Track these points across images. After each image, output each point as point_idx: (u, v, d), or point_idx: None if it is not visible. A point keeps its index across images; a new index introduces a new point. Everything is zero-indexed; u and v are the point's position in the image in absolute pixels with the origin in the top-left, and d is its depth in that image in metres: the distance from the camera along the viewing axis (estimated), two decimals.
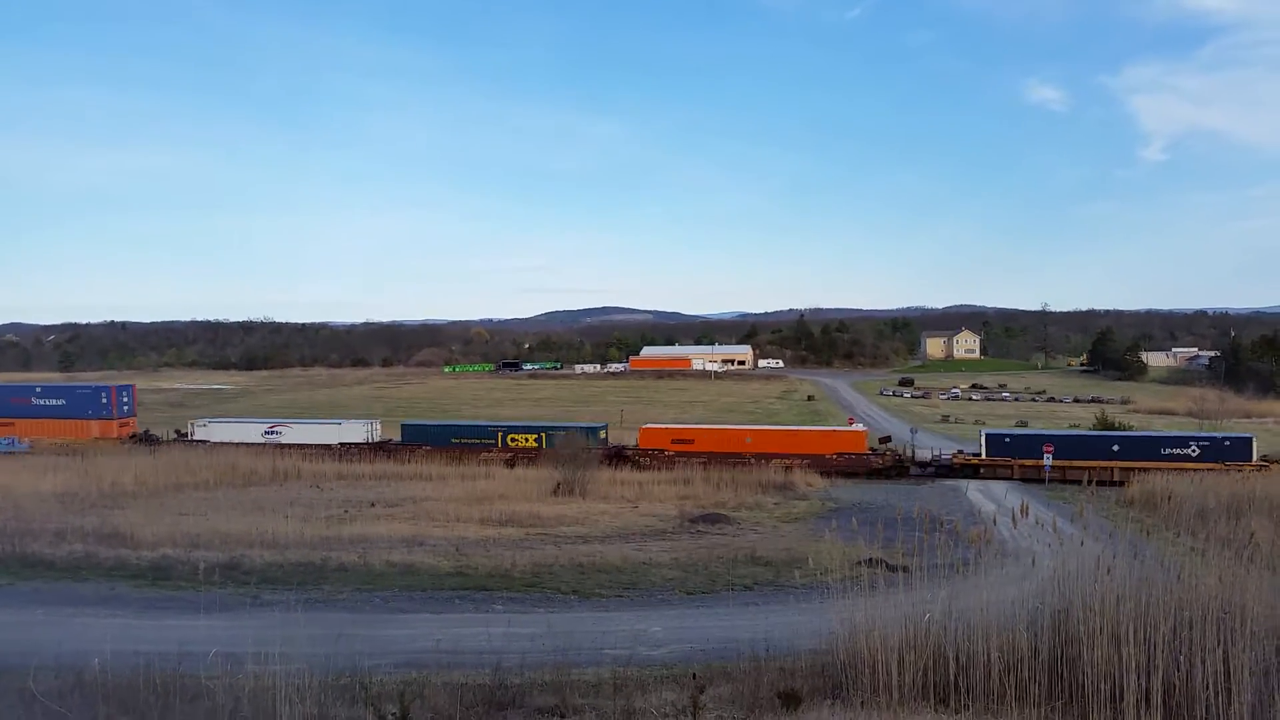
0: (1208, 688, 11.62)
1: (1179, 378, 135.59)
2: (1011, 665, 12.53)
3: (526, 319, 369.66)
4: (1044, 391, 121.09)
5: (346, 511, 37.75)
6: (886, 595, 14.19)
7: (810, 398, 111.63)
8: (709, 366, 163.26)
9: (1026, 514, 16.23)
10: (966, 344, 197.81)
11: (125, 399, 69.00)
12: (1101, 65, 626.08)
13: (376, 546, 30.24)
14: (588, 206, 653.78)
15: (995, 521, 30.16)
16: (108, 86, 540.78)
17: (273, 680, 11.68)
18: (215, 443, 59.52)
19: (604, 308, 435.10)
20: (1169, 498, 33.23)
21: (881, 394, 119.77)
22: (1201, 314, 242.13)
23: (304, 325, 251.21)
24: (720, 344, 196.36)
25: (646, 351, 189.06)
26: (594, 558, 29.17)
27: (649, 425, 58.55)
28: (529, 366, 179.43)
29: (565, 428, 54.78)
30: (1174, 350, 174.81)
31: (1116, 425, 59.52)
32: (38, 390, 69.91)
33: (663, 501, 40.90)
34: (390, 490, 44.25)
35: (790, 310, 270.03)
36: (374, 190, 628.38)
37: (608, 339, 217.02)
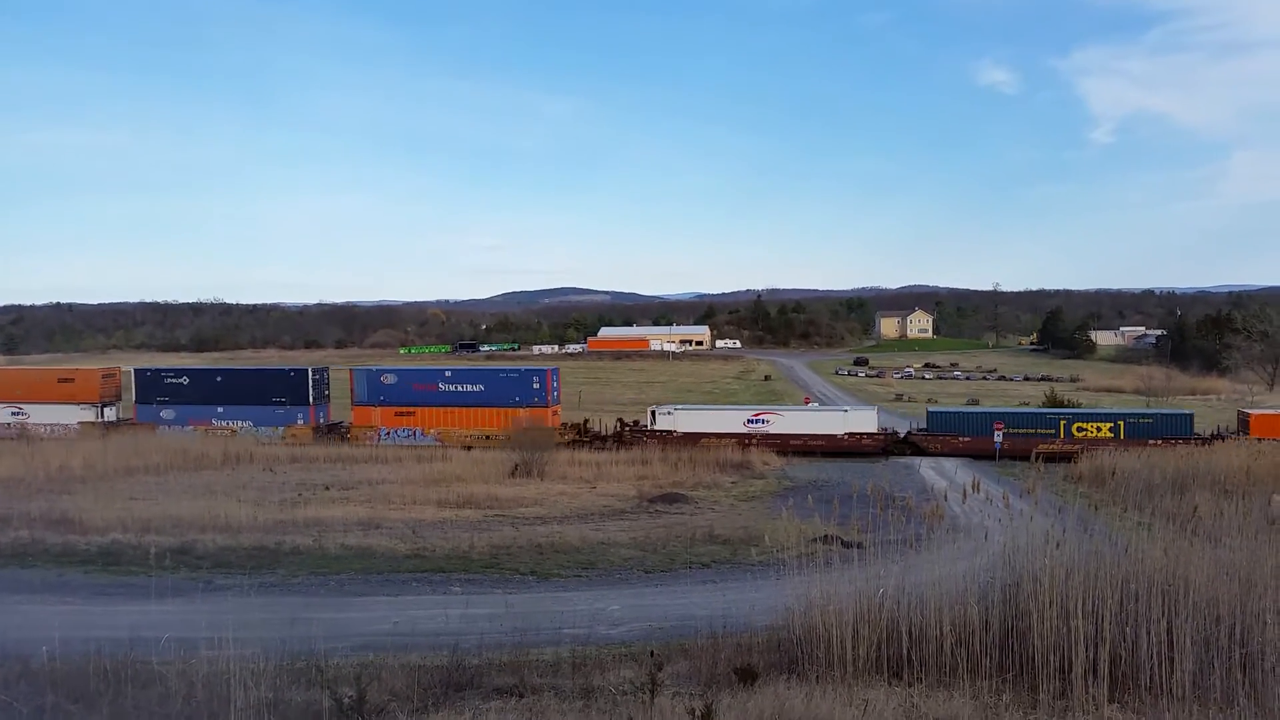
0: (1152, 657, 11.93)
1: (1127, 356, 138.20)
2: (963, 638, 12.76)
3: (484, 300, 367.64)
4: (995, 370, 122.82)
5: (300, 495, 37.34)
6: (841, 571, 14.36)
7: (767, 377, 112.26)
8: (667, 347, 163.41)
9: (978, 490, 16.49)
10: (920, 324, 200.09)
11: (556, 385, 59.78)
12: (1051, 48, 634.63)
13: (331, 530, 29.96)
14: (545, 187, 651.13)
15: (947, 498, 30.61)
16: (51, 62, 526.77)
17: (227, 665, 11.57)
18: (683, 434, 51.53)
19: (562, 289, 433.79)
20: (1114, 473, 33.97)
21: (837, 373, 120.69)
22: (1149, 293, 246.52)
23: (255, 306, 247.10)
24: (678, 325, 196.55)
25: (604, 332, 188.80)
26: (552, 538, 29.17)
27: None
28: (486, 348, 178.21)
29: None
30: (1122, 329, 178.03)
31: (1066, 403, 60.54)
32: (447, 375, 59.88)
33: (621, 482, 40.95)
34: (345, 473, 43.83)
35: (747, 291, 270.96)
36: (326, 169, 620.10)
37: (565, 320, 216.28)
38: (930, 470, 44.40)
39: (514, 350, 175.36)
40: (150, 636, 14.69)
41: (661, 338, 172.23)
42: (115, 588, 23.81)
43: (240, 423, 57.65)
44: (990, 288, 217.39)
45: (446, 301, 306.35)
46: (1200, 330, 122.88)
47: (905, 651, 12.94)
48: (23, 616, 20.05)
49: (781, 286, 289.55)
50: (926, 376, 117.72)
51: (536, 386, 56.76)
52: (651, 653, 14.65)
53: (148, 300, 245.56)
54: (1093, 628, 12.09)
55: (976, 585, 13.61)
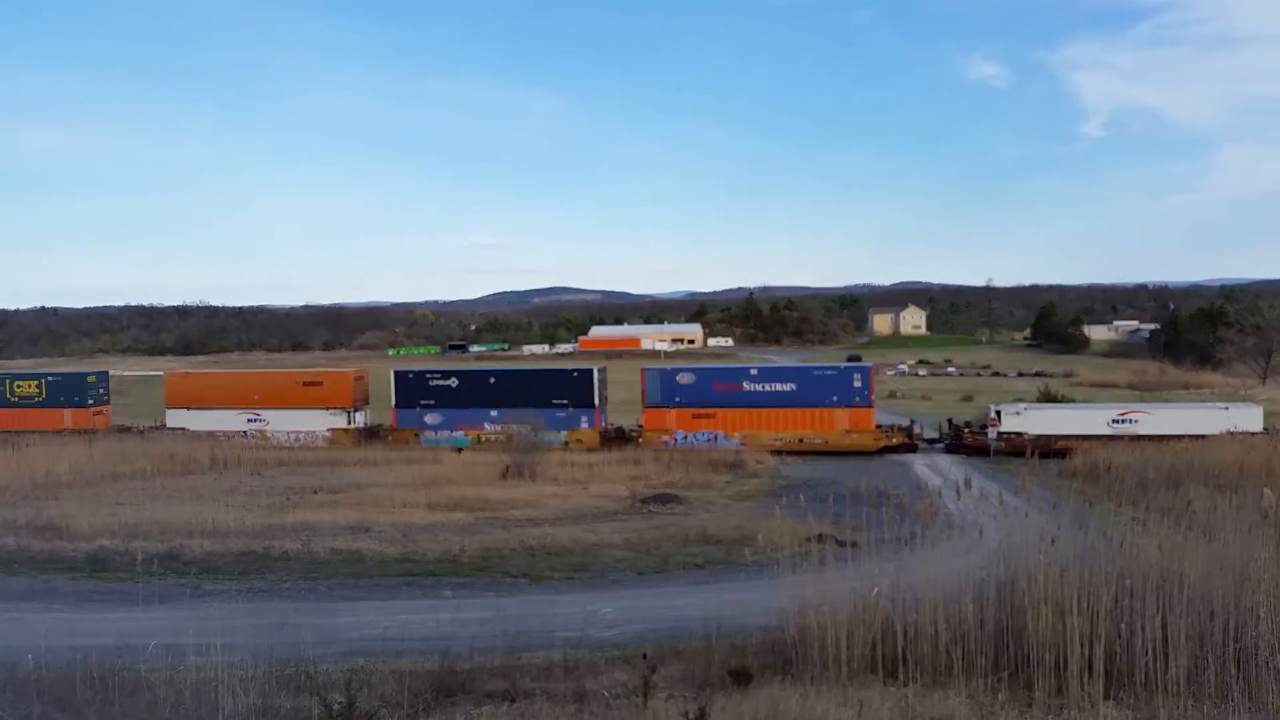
0: (1147, 653, 11.87)
1: (1120, 350, 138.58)
2: (958, 637, 12.68)
3: (474, 300, 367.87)
4: (989, 366, 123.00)
5: (289, 499, 37.11)
6: (835, 571, 14.28)
7: None
8: (658, 346, 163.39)
9: (970, 487, 16.43)
10: (913, 320, 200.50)
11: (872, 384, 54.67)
12: (1041, 42, 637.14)
13: (320, 534, 29.75)
14: (534, 186, 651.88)
15: (941, 495, 30.56)
16: (34, 62, 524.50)
17: (215, 671, 11.43)
18: (1034, 436, 44.71)
19: (552, 288, 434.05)
20: (1108, 469, 33.96)
21: None
22: (1142, 288, 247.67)
23: (241, 308, 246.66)
24: (670, 323, 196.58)
25: (595, 331, 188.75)
26: (544, 540, 29.02)
27: None
28: (476, 348, 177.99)
29: None
30: (1115, 324, 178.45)
31: (1060, 398, 60.66)
32: (752, 373, 55.04)
33: (613, 482, 40.82)
34: (334, 477, 43.61)
35: (739, 289, 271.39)
36: (313, 170, 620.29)
37: (556, 320, 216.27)
38: (924, 468, 44.41)
39: (505, 350, 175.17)
40: (138, 643, 14.51)
41: (653, 336, 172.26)
42: (102, 594, 23.59)
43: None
44: (983, 283, 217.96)
45: (435, 302, 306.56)
46: (1193, 324, 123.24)
47: (900, 651, 12.86)
48: (8, 624, 19.84)
49: (774, 284, 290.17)
50: (920, 373, 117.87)
51: (858, 385, 52.08)
52: (645, 655, 14.54)
53: (133, 303, 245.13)
54: (1088, 624, 12.03)
55: (971, 583, 13.54)
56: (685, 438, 51.95)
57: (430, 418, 55.14)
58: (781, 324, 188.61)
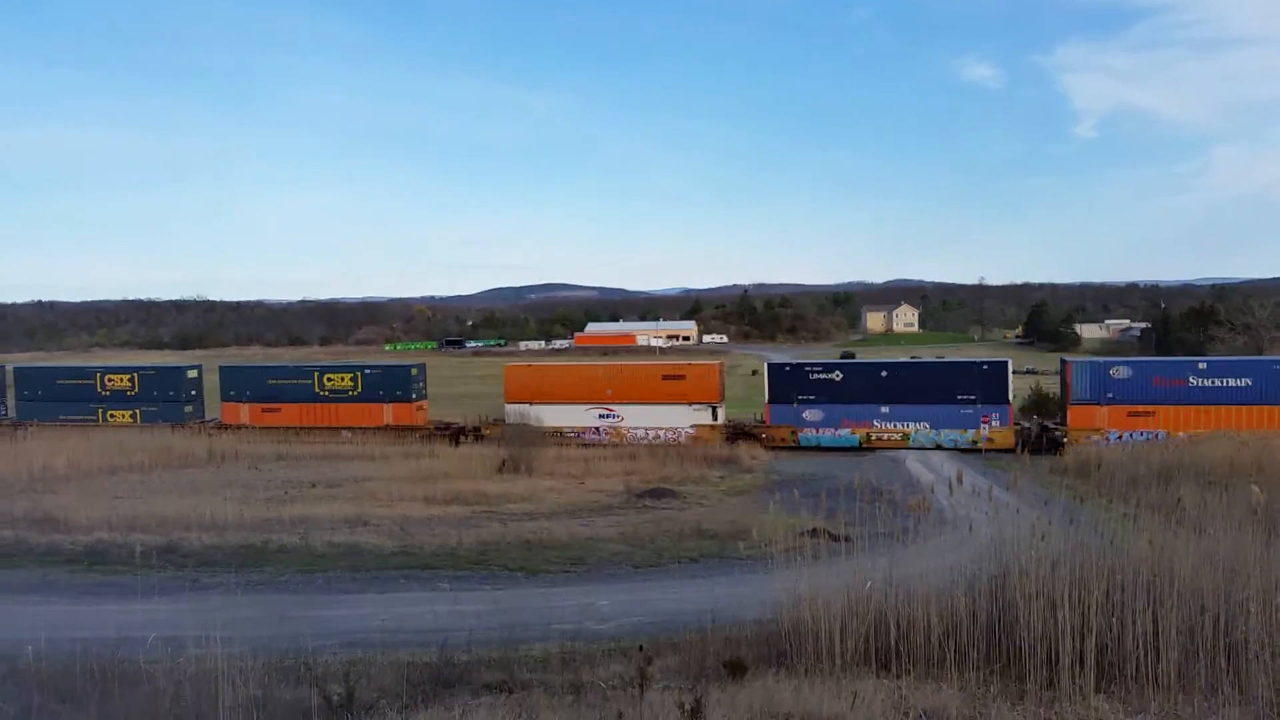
0: (1138, 648, 11.99)
1: (1112, 349, 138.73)
2: (951, 630, 12.79)
3: (470, 296, 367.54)
4: None
5: (287, 493, 37.22)
6: (829, 565, 14.40)
7: (755, 372, 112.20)
8: (654, 342, 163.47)
9: (962, 483, 16.56)
10: (905, 317, 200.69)
11: None
12: (1034, 44, 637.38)
13: (318, 527, 29.87)
14: (529, 182, 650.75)
15: (933, 490, 30.74)
16: (31, 60, 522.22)
17: (215, 663, 11.50)
18: None
19: (548, 284, 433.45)
20: (1099, 465, 34.16)
21: None
22: (1134, 286, 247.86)
23: (238, 303, 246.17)
24: (665, 320, 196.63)
25: (591, 328, 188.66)
26: (540, 534, 29.16)
27: None
28: (472, 344, 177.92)
29: None
30: (1107, 322, 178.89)
31: (1051, 395, 60.77)
32: (1200, 367, 49.89)
33: (609, 477, 40.97)
34: (331, 470, 43.69)
35: (733, 286, 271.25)
36: (308, 166, 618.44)
37: (552, 315, 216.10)
38: (917, 463, 44.58)
39: (501, 346, 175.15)
40: (137, 636, 14.61)
41: (649, 333, 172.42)
42: (101, 587, 23.67)
43: (913, 425, 50.30)
44: (975, 281, 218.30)
45: (432, 298, 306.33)
46: (1184, 323, 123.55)
47: (893, 643, 12.97)
48: (8, 617, 19.91)
49: (768, 281, 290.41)
50: None
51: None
52: (641, 647, 14.65)
53: (130, 298, 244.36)
54: (1079, 619, 12.14)
55: (964, 577, 13.65)
56: (1119, 437, 47.91)
57: (810, 414, 51.58)
58: (775, 321, 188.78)
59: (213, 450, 48.68)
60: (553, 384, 54.81)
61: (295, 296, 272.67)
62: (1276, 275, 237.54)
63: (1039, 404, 57.68)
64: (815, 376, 52.05)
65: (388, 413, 56.25)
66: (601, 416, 53.41)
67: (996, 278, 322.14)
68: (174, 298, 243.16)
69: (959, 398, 49.77)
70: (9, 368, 65.06)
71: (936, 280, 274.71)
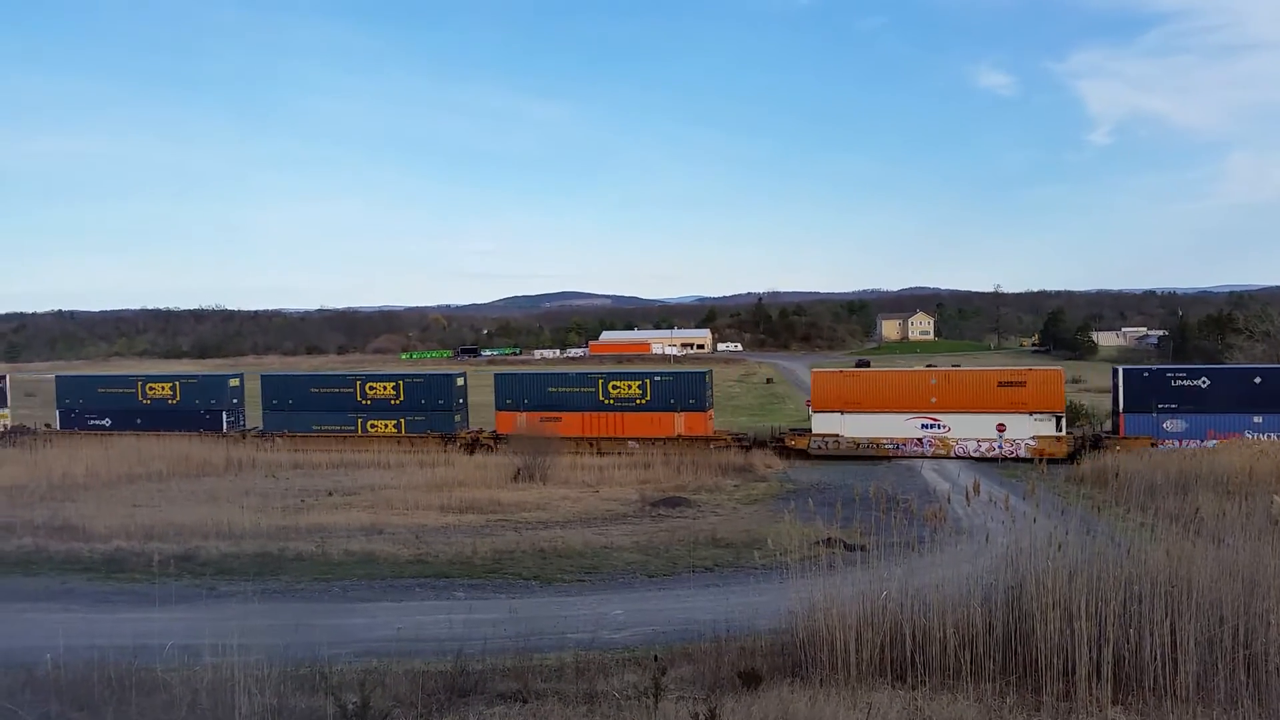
0: (1156, 659, 11.91)
1: (1129, 356, 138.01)
2: (967, 641, 12.74)
3: (485, 304, 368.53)
4: None
5: (303, 501, 37.37)
6: (844, 574, 14.34)
7: (769, 380, 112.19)
8: (668, 350, 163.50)
9: (979, 492, 16.46)
10: (921, 326, 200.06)
11: None
12: (1048, 51, 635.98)
13: (334, 536, 29.98)
14: (544, 191, 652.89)
15: (950, 500, 30.57)
16: (50, 70, 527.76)
17: (231, 671, 11.56)
18: None
19: (563, 292, 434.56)
20: (1116, 474, 33.91)
21: None
22: (1150, 294, 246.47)
23: (257, 312, 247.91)
24: (679, 328, 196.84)
25: (606, 336, 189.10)
26: (555, 543, 29.16)
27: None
28: (488, 352, 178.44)
29: None
30: (1124, 330, 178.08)
31: (1071, 404, 60.35)
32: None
33: (623, 486, 40.96)
34: (348, 479, 43.84)
35: (748, 294, 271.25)
36: (324, 174, 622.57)
37: (567, 324, 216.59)
38: (932, 472, 44.39)
39: (516, 354, 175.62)
40: (154, 644, 14.70)
41: (663, 341, 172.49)
42: (119, 595, 23.83)
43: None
44: (991, 289, 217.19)
45: (448, 306, 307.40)
46: (1202, 330, 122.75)
47: (909, 654, 12.92)
48: (26, 624, 20.07)
49: (782, 289, 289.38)
50: None
51: None
52: (655, 657, 14.67)
53: (149, 307, 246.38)
54: (1096, 629, 12.08)
55: (980, 587, 13.59)
56: None
57: (1171, 424, 47.43)
58: (790, 329, 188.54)
59: (230, 458, 48.94)
60: (868, 391, 51.06)
61: (313, 305, 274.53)
62: None
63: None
64: (1177, 383, 48.04)
65: (679, 422, 52.91)
66: (925, 427, 49.34)
67: (1012, 285, 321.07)
68: (192, 307, 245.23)
69: None
70: (242, 375, 63.89)
71: (952, 288, 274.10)
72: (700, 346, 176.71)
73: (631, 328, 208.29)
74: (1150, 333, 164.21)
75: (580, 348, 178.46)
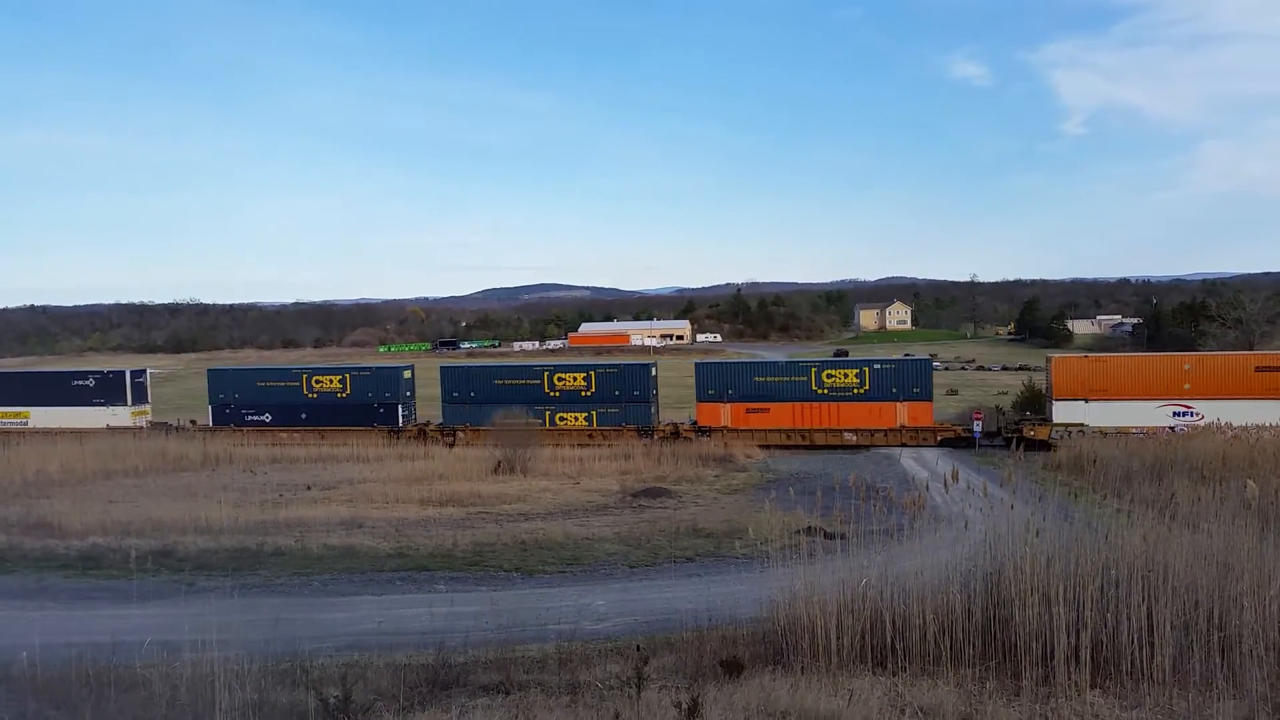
0: (1133, 643, 12.04)
1: (1104, 344, 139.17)
2: (946, 627, 12.83)
3: (463, 297, 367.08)
4: (973, 360, 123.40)
5: (281, 495, 37.14)
6: (824, 562, 14.42)
7: None
8: (648, 342, 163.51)
9: (957, 480, 16.57)
10: (898, 315, 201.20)
11: None
12: (1022, 42, 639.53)
13: (314, 530, 29.83)
14: (522, 183, 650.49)
15: (928, 488, 30.76)
16: (24, 63, 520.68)
17: (211, 667, 11.48)
18: None
19: (542, 284, 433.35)
20: (1093, 461, 34.23)
21: None
22: (1125, 282, 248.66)
23: (232, 306, 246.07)
24: (658, 319, 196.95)
25: (585, 328, 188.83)
26: (536, 535, 29.15)
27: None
28: (467, 345, 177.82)
29: None
30: (1099, 318, 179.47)
31: (1042, 393, 60.89)
32: None
33: (604, 477, 40.96)
34: (326, 473, 43.62)
35: (727, 285, 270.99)
36: (302, 168, 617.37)
37: (546, 316, 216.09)
38: (911, 461, 44.66)
39: (495, 347, 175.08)
40: (132, 640, 14.57)
41: (643, 333, 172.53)
42: (96, 592, 23.61)
43: None
44: (967, 279, 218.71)
45: (425, 299, 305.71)
46: (1176, 318, 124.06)
47: (889, 641, 13.01)
48: (2, 623, 19.85)
49: (761, 280, 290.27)
50: None
51: None
52: (638, 647, 14.68)
53: (123, 301, 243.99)
54: (1074, 614, 12.19)
55: (958, 574, 13.69)
56: None
57: None
58: (769, 319, 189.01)
59: (207, 454, 48.56)
60: (1116, 378, 48.57)
61: (289, 299, 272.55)
62: (1266, 270, 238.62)
63: None
64: None
65: (902, 412, 49.95)
66: (1177, 414, 46.77)
67: (988, 275, 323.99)
68: (167, 301, 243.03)
69: None
70: (413, 367, 59.53)
71: (929, 278, 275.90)
72: (680, 337, 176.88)
73: (611, 319, 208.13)
74: (1125, 320, 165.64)
75: (560, 340, 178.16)
